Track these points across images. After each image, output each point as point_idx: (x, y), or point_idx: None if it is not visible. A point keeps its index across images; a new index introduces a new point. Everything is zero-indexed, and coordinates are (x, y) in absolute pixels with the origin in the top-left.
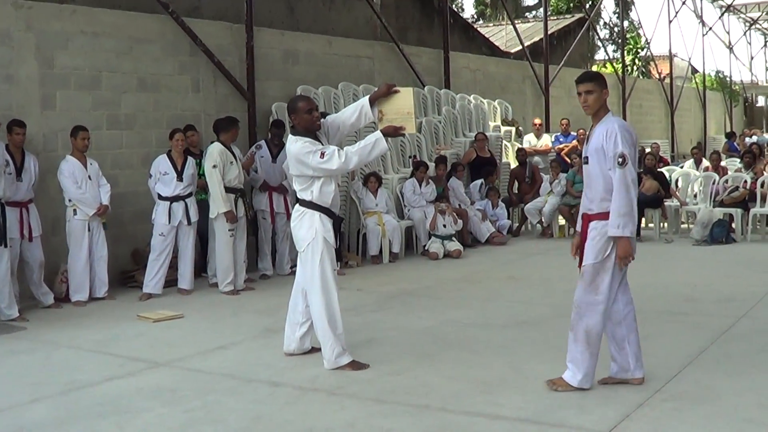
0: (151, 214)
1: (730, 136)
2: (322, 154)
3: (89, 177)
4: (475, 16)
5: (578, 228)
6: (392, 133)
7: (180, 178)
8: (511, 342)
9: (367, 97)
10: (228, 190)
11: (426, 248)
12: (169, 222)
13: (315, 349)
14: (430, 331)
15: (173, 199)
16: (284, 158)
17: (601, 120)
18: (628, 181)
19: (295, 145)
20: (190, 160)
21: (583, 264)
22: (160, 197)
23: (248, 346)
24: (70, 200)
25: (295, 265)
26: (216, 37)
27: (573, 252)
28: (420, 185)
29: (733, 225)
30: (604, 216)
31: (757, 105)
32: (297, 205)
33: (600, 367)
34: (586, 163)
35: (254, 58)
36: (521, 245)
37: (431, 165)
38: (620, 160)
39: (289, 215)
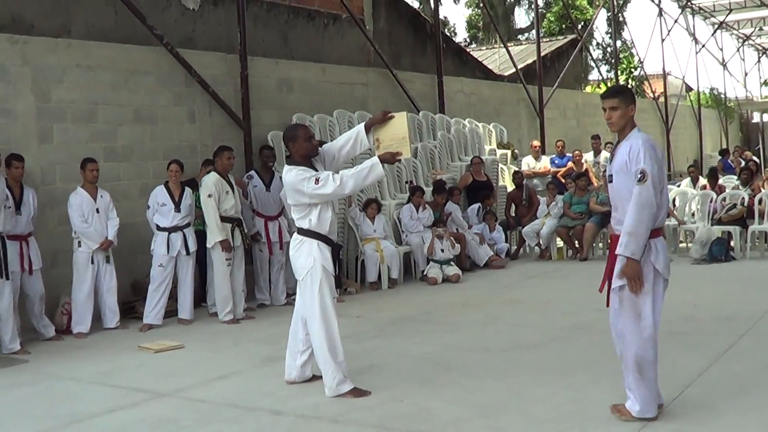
0: (150, 245)
1: (723, 153)
2: (317, 180)
3: (97, 210)
4: (468, 40)
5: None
6: (389, 159)
7: (178, 208)
8: (512, 366)
9: (362, 125)
10: (224, 219)
11: (425, 273)
12: (168, 252)
13: (316, 377)
14: (430, 357)
15: (171, 230)
16: (279, 186)
17: (627, 137)
18: (643, 199)
19: (289, 174)
20: (188, 191)
21: (612, 287)
22: (159, 228)
23: (249, 375)
24: (75, 232)
25: (292, 295)
26: (210, 67)
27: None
28: (417, 210)
29: (732, 243)
30: None
31: (753, 121)
32: (295, 233)
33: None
34: (611, 181)
35: (249, 88)
36: (520, 268)
37: (427, 190)
38: (640, 176)
39: (282, 244)
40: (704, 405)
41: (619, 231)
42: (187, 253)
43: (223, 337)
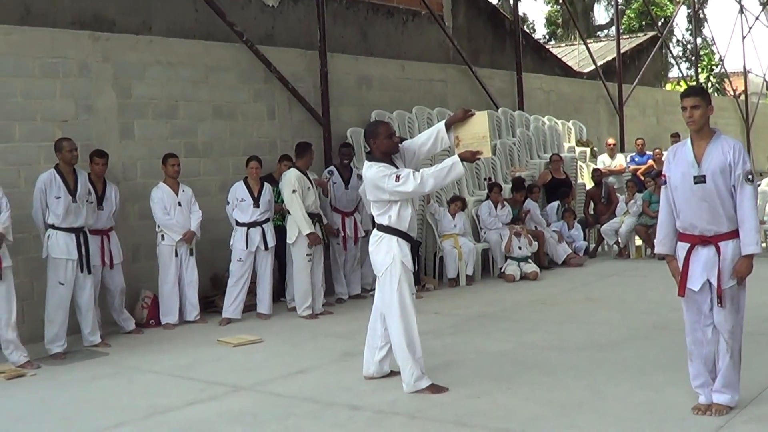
0: (229, 240)
1: None
2: (398, 178)
3: (179, 203)
4: (547, 37)
5: (676, 251)
6: (470, 158)
7: (257, 204)
8: (589, 364)
9: (442, 123)
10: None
11: (502, 271)
12: (247, 247)
13: (394, 373)
14: (508, 354)
15: (251, 225)
16: (356, 184)
17: (713, 138)
18: (755, 198)
19: (370, 170)
20: (267, 187)
21: (724, 288)
22: (238, 223)
23: (328, 369)
24: (158, 226)
25: (370, 291)
26: (290, 64)
27: (681, 279)
28: (495, 207)
29: None
30: (737, 234)
31: None
32: (374, 229)
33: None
34: (701, 182)
35: (328, 84)
36: (598, 266)
37: (506, 187)
38: (750, 176)
39: (357, 239)
40: None
41: (714, 232)
42: (266, 248)
43: (301, 332)
